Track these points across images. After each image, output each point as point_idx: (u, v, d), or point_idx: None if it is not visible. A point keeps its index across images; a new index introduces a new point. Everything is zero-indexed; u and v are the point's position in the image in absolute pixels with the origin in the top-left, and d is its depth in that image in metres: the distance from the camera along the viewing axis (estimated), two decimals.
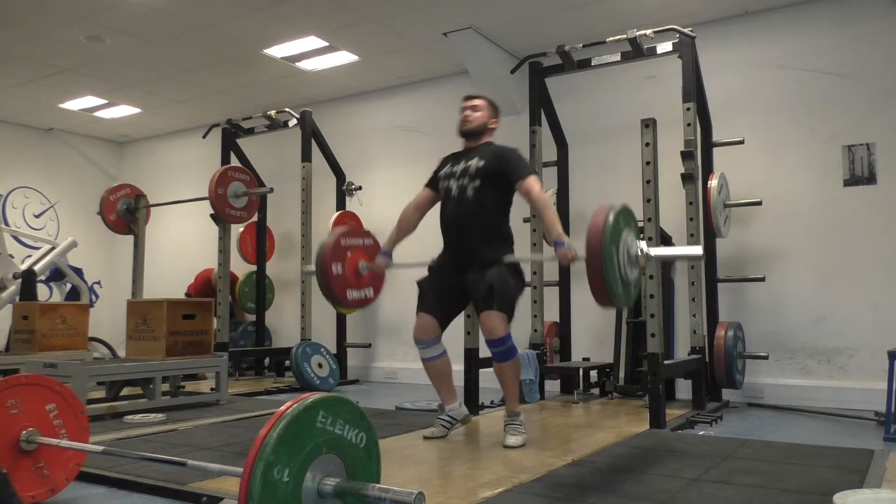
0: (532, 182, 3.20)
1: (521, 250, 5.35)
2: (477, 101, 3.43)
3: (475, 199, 3.27)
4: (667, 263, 5.05)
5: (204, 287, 7.19)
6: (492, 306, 3.13)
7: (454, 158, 3.46)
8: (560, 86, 5.36)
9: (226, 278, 6.07)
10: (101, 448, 2.31)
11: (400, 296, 6.79)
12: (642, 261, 2.76)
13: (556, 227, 3.04)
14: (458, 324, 4.51)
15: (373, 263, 3.46)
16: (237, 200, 5.97)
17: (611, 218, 2.63)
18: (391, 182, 6.94)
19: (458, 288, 3.32)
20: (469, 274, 3.25)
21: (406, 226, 3.53)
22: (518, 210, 5.50)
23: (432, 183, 3.52)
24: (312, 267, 3.55)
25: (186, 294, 7.34)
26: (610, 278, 2.56)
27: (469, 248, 3.28)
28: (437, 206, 3.49)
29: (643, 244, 2.79)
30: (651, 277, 3.84)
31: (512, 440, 3.16)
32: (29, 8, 5.23)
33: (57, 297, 7.31)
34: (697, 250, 2.97)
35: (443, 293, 3.36)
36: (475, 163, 3.30)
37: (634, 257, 2.75)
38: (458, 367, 4.43)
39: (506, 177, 3.26)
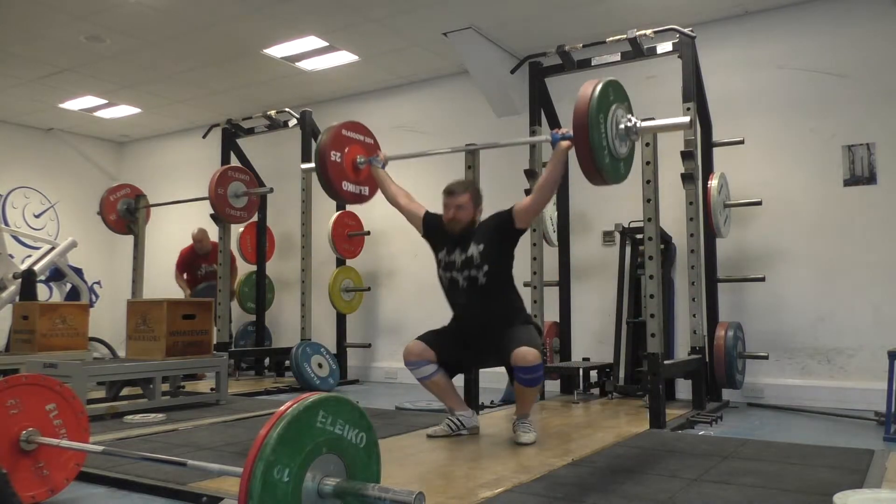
0: (521, 202, 3.30)
1: (522, 252, 5.36)
2: (461, 200, 3.35)
3: (488, 285, 3.28)
4: (667, 263, 5.05)
5: (191, 258, 7.06)
6: (522, 343, 3.15)
7: (445, 240, 3.40)
8: (560, 86, 5.35)
9: (226, 278, 6.07)
10: (101, 448, 2.31)
11: (400, 296, 6.80)
12: (632, 134, 2.84)
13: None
14: None
15: (371, 157, 3.70)
16: (237, 200, 5.97)
17: (598, 88, 2.67)
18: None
19: (471, 351, 3.38)
20: (486, 341, 3.30)
21: (397, 192, 3.67)
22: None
23: (427, 225, 3.53)
24: (311, 164, 3.63)
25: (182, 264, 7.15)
26: (595, 145, 2.57)
27: (488, 327, 3.30)
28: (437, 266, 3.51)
29: (633, 117, 2.83)
30: (651, 278, 3.84)
31: (525, 437, 3.20)
32: (29, 8, 5.23)
33: (57, 297, 7.31)
34: (684, 119, 3.08)
35: (453, 342, 3.38)
36: (475, 250, 3.30)
37: (624, 131, 2.79)
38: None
39: (505, 234, 3.32)
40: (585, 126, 2.64)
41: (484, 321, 3.31)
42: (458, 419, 3.42)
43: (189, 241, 7.08)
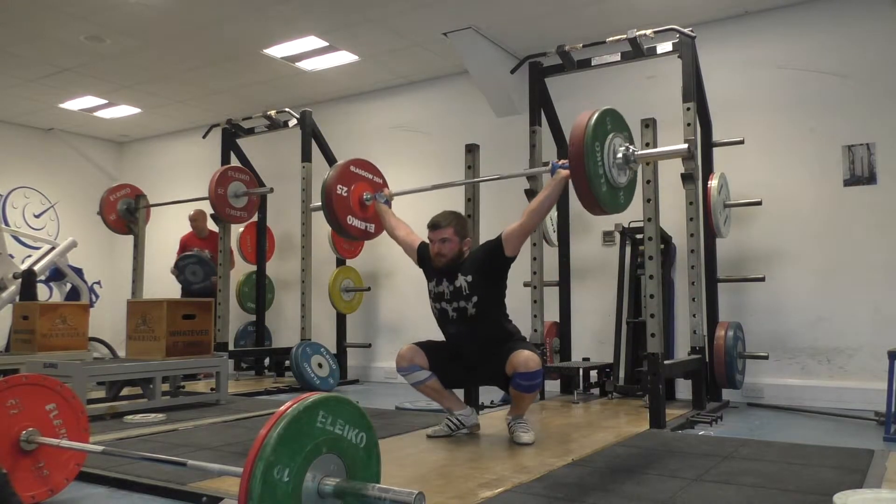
0: (510, 227, 3.29)
1: (522, 252, 5.36)
2: (445, 233, 3.33)
3: (478, 315, 3.28)
4: (667, 263, 5.05)
5: (192, 243, 6.97)
6: (522, 349, 3.17)
7: (438, 273, 3.39)
8: (560, 86, 5.35)
9: (226, 278, 6.07)
10: (101, 448, 2.31)
11: (400, 296, 6.80)
12: (630, 162, 2.83)
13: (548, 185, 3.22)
14: None
15: (377, 193, 3.80)
16: (237, 200, 5.98)
17: (595, 116, 2.67)
18: (391, 182, 6.93)
19: (467, 367, 3.38)
20: (483, 359, 3.32)
21: (397, 224, 3.75)
22: (518, 211, 5.51)
23: (420, 256, 3.54)
24: (318, 203, 3.70)
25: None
26: (591, 174, 2.56)
27: (482, 352, 3.32)
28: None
29: (631, 146, 2.82)
30: (651, 278, 3.84)
31: (526, 437, 3.22)
32: (29, 8, 5.23)
33: (57, 297, 7.31)
34: (682, 146, 3.11)
35: (449, 357, 3.38)
36: (463, 281, 3.29)
37: (622, 160, 2.77)
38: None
39: (493, 262, 3.30)
40: (581, 154, 2.63)
41: (477, 347, 3.32)
42: (457, 418, 3.42)
43: (188, 236, 7.07)
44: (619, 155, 2.82)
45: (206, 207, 5.95)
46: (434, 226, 3.36)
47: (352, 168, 3.84)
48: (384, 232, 3.90)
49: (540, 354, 3.25)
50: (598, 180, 2.63)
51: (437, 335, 3.50)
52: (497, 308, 3.37)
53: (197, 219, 6.90)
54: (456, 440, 3.34)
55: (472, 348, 3.34)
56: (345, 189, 3.74)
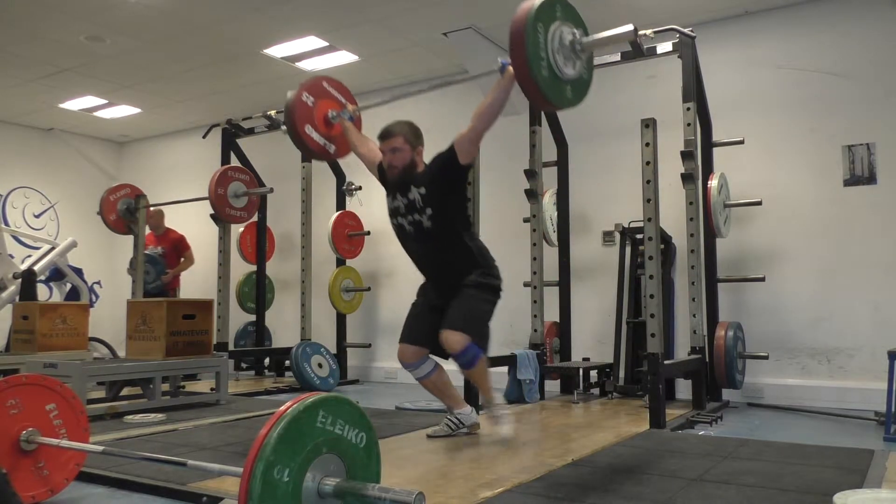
0: (461, 133, 3.12)
1: (522, 252, 5.37)
2: (395, 142, 3.22)
3: (434, 229, 3.17)
4: (667, 263, 5.05)
5: (148, 242, 6.80)
6: (456, 327, 3.13)
7: (393, 187, 3.30)
8: None
9: (226, 278, 6.07)
10: (101, 448, 2.31)
11: (400, 296, 6.79)
12: (578, 52, 2.66)
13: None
14: None
15: (343, 111, 3.59)
16: (237, 200, 5.97)
17: (543, 1, 2.50)
18: None
19: (438, 310, 3.31)
20: (449, 298, 3.25)
21: (361, 140, 3.60)
22: (518, 211, 5.52)
23: (380, 175, 3.42)
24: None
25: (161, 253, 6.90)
26: (531, 55, 2.41)
27: (444, 277, 3.26)
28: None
29: (578, 32, 2.68)
30: (651, 278, 3.84)
31: (503, 429, 3.23)
32: (29, 8, 5.23)
33: (57, 297, 7.31)
34: (628, 27, 2.98)
35: (431, 326, 3.30)
36: (416, 193, 3.19)
37: (568, 46, 2.61)
38: (457, 367, 4.44)
39: (447, 172, 3.16)
40: (521, 33, 2.44)
41: (440, 271, 3.24)
42: (456, 418, 3.40)
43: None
44: (566, 40, 2.63)
45: (207, 207, 5.95)
46: (383, 135, 3.22)
47: (324, 84, 3.69)
48: (350, 155, 3.74)
49: (483, 320, 3.19)
50: (538, 63, 2.46)
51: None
52: (455, 223, 3.22)
53: (152, 216, 6.75)
54: (456, 440, 3.34)
55: (436, 272, 3.27)
56: (311, 99, 3.58)
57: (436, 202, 3.15)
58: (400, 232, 3.29)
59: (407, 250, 3.34)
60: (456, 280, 3.21)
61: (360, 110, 3.78)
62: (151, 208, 6.72)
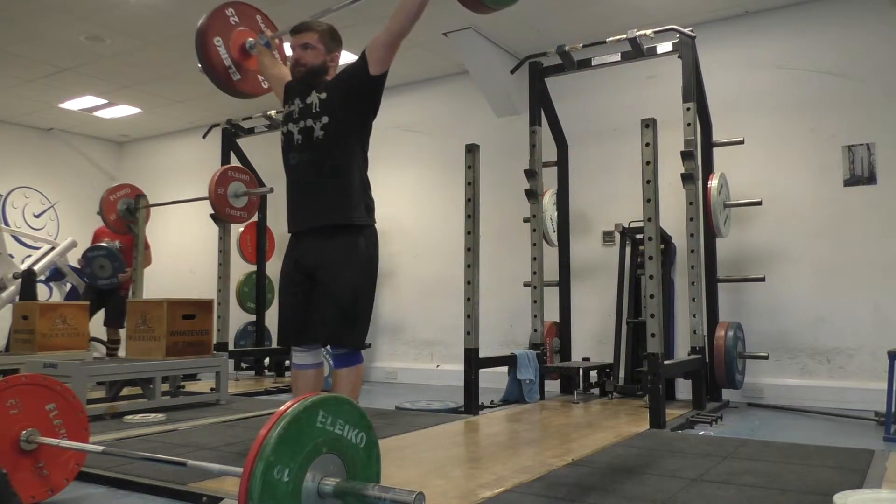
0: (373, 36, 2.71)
1: (522, 252, 5.37)
2: (308, 38, 2.78)
3: (324, 140, 2.69)
4: (667, 263, 5.05)
5: (104, 236, 6.62)
6: (342, 343, 2.68)
7: (294, 93, 2.86)
8: (560, 86, 5.36)
9: (226, 278, 6.07)
10: (100, 448, 2.31)
11: (400, 296, 6.80)
12: None
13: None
14: (458, 323, 4.53)
15: (260, 34, 3.28)
16: (237, 200, 5.97)
17: None
18: (391, 182, 6.94)
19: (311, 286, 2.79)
20: (317, 255, 2.73)
21: (276, 67, 3.22)
22: (518, 211, 5.52)
23: (285, 90, 2.96)
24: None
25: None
26: None
27: (316, 208, 2.72)
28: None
29: None
30: (651, 278, 3.84)
31: None
32: (29, 8, 5.23)
33: (57, 297, 7.31)
34: None
35: (301, 305, 2.87)
36: (316, 97, 2.73)
37: None
38: (458, 367, 4.45)
39: (354, 80, 2.72)
40: None
41: (313, 196, 2.73)
42: None
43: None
44: None
45: (206, 207, 5.95)
46: (297, 29, 2.82)
47: (257, 16, 3.47)
48: (264, 89, 3.39)
49: (372, 279, 2.73)
50: None
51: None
52: (351, 142, 2.73)
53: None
54: (456, 440, 3.34)
55: (307, 200, 2.75)
56: (235, 19, 3.39)
57: (333, 111, 2.70)
58: (286, 141, 2.83)
59: (286, 165, 2.86)
60: (326, 219, 2.70)
61: (277, 38, 3.48)
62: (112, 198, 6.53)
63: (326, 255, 2.70)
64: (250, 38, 3.37)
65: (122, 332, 6.20)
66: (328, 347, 2.84)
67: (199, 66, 3.32)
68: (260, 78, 3.47)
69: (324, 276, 2.71)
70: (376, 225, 2.84)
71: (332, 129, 2.69)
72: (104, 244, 6.38)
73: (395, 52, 2.74)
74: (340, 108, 2.71)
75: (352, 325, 2.69)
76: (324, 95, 2.73)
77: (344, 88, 2.73)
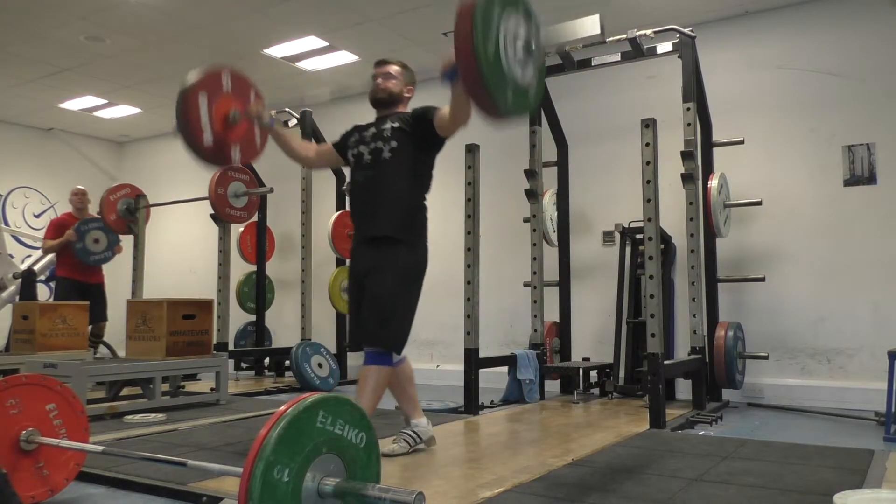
0: (442, 106, 2.90)
1: (522, 252, 5.37)
2: (391, 68, 3.13)
3: (391, 161, 2.95)
4: (667, 263, 5.05)
5: (69, 223, 6.27)
6: (372, 342, 2.93)
7: (363, 128, 3.15)
8: (560, 86, 5.36)
9: (226, 278, 6.07)
10: (100, 448, 2.31)
11: None
12: (534, 52, 2.26)
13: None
14: (458, 323, 4.53)
15: (253, 111, 3.19)
16: (237, 200, 5.97)
17: (479, 16, 2.04)
18: None
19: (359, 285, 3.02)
20: (365, 262, 2.96)
21: (303, 148, 3.33)
22: (518, 211, 5.52)
23: (339, 145, 3.22)
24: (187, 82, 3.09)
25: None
26: (479, 54, 2.01)
27: (375, 218, 2.94)
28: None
29: (535, 31, 2.26)
30: (651, 278, 3.84)
31: (389, 447, 2.93)
32: (29, 8, 5.24)
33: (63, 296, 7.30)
34: (594, 23, 2.49)
35: (354, 310, 3.08)
36: (389, 125, 3.02)
37: (526, 48, 2.21)
38: (458, 367, 4.45)
39: (422, 125, 2.96)
40: (470, 14, 2.01)
41: (374, 206, 2.94)
42: (413, 431, 3.04)
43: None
44: (522, 42, 2.20)
45: (207, 207, 5.95)
46: (381, 62, 3.15)
47: (223, 77, 3.26)
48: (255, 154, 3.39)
49: (400, 313, 2.90)
50: (502, 89, 2.08)
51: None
52: (415, 167, 3.00)
53: (78, 196, 6.38)
54: (455, 440, 3.34)
55: (369, 210, 2.97)
56: (206, 97, 3.15)
57: (401, 139, 2.97)
58: (356, 162, 3.06)
59: (352, 182, 3.09)
60: (376, 231, 2.92)
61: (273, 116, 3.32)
62: (78, 187, 6.42)
63: (370, 261, 2.94)
64: (236, 109, 3.25)
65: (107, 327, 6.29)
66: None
67: (175, 123, 3.14)
68: (233, 153, 3.31)
69: (367, 280, 2.95)
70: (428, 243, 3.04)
71: (397, 153, 2.96)
72: (93, 219, 6.20)
73: None
74: (408, 138, 2.99)
75: (383, 326, 2.91)
76: (396, 125, 3.01)
77: (413, 125, 3.00)
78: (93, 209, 6.73)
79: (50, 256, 6.56)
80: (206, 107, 3.12)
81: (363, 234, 3.02)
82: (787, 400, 4.81)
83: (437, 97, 7.09)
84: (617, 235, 5.40)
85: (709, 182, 4.71)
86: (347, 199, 3.03)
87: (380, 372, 2.97)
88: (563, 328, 5.29)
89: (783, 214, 5.06)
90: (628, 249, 5.30)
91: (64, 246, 6.05)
